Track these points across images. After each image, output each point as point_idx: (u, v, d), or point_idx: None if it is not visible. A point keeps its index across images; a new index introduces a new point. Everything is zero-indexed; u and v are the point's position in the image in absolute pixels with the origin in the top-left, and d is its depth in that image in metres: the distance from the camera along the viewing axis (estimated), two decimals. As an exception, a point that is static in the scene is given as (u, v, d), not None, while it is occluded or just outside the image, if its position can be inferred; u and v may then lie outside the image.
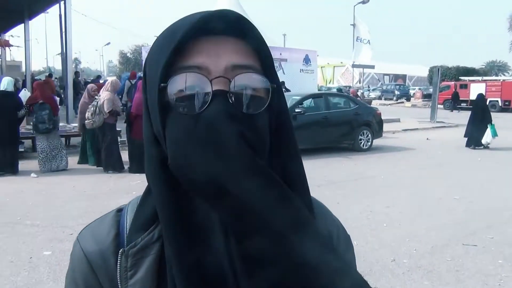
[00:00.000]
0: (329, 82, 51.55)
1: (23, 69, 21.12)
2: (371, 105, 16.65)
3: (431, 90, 29.45)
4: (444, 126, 18.88)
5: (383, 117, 12.70)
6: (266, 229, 0.54)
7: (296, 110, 10.34)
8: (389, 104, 36.12)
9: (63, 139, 9.75)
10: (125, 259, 0.64)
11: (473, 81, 33.54)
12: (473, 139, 12.38)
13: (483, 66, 60.97)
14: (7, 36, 20.98)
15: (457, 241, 4.98)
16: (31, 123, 8.82)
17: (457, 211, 6.20)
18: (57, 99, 15.34)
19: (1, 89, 8.00)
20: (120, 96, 11.32)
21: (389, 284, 3.85)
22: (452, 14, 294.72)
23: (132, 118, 8.15)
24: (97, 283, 0.66)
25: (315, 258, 0.54)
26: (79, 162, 8.69)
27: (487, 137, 12.20)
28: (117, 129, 8.83)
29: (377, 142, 12.23)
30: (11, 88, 8.11)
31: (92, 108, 8.24)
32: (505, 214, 6.03)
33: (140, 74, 15.53)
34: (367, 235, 5.04)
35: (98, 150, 8.46)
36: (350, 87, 27.84)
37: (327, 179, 7.93)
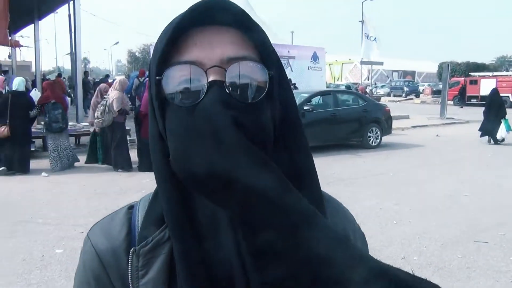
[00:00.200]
0: (337, 79, 51.37)
1: (33, 69, 21.32)
2: (380, 102, 16.57)
3: (440, 86, 29.21)
4: (454, 123, 18.73)
5: (392, 114, 12.63)
6: (271, 219, 0.52)
7: (305, 108, 10.32)
8: (398, 101, 35.89)
9: (72, 138, 9.84)
10: (136, 259, 0.63)
11: (483, 76, 33.17)
12: (489, 133, 12.36)
13: (493, 61, 60.33)
14: (17, 36, 21.15)
15: (468, 238, 4.94)
16: (42, 123, 8.93)
17: (468, 208, 6.15)
18: (68, 99, 15.50)
19: (13, 89, 8.11)
20: (128, 95, 11.37)
21: (400, 281, 3.83)
22: (461, 9, 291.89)
23: (142, 116, 8.19)
24: (108, 281, 0.66)
25: (325, 249, 0.52)
26: (86, 162, 8.75)
27: (501, 132, 12.18)
28: (126, 128, 8.89)
29: (386, 139, 12.17)
30: (22, 88, 8.21)
31: (101, 107, 8.31)
32: (516, 211, 5.97)
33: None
34: (377, 233, 5.03)
35: (106, 148, 8.53)
36: (358, 84, 27.73)
37: (336, 176, 7.91)
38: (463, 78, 33.89)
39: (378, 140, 11.75)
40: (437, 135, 14.33)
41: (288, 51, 16.92)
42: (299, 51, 18.24)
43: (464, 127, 17.43)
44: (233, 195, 0.52)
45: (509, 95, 29.30)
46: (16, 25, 17.57)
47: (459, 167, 9.21)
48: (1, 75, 11.94)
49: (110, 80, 19.01)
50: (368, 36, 23.73)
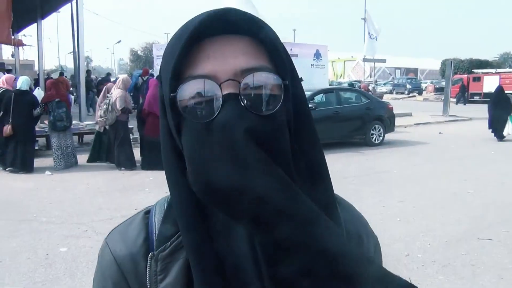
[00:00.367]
0: (340, 77, 51.27)
1: (36, 68, 21.37)
2: (383, 100, 16.53)
3: (443, 83, 29.14)
4: (457, 120, 18.66)
5: (394, 112, 12.61)
6: (285, 221, 0.54)
7: (307, 105, 10.29)
8: (401, 98, 35.82)
9: (75, 137, 9.86)
10: (154, 263, 0.63)
11: (486, 73, 33.06)
12: (497, 130, 12.48)
13: (497, 58, 60.11)
14: (20, 35, 21.21)
15: (472, 235, 4.94)
16: (46, 121, 8.96)
17: (471, 205, 6.14)
18: (72, 97, 15.52)
19: (17, 87, 8.14)
20: (130, 94, 11.39)
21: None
22: (464, 5, 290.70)
23: (145, 115, 8.20)
24: (126, 286, 0.66)
25: (337, 246, 0.54)
26: (88, 161, 8.74)
27: (508, 128, 12.27)
28: (129, 126, 8.90)
29: (389, 136, 12.15)
30: (26, 87, 8.23)
31: (104, 106, 8.33)
32: (520, 208, 5.95)
33: (152, 71, 15.62)
34: (380, 230, 5.00)
35: (109, 147, 8.54)
36: (360, 81, 27.65)
37: (339, 174, 7.90)
38: (466, 75, 33.78)
39: (381, 138, 11.73)
40: (440, 133, 14.29)
41: (291, 49, 16.91)
42: (301, 49, 18.23)
43: (467, 124, 17.38)
44: (246, 209, 0.54)
45: (513, 92, 29.19)
46: (19, 24, 17.62)
47: (462, 164, 9.18)
48: (4, 74, 11.96)
49: (112, 79, 19.04)
50: (370, 35, 23.66)
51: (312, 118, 0.65)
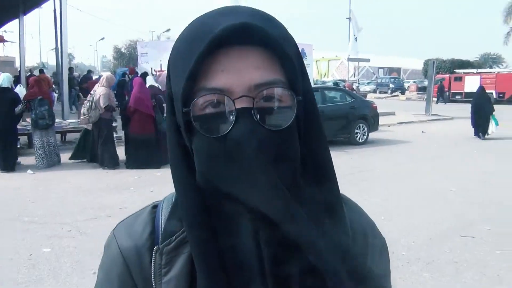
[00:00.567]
0: (324, 76, 51.54)
1: (17, 64, 20.96)
2: (366, 99, 16.68)
3: (425, 83, 29.49)
4: (439, 119, 18.95)
5: (378, 111, 12.73)
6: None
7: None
8: (384, 98, 36.18)
9: (58, 135, 9.71)
10: (159, 257, 0.64)
11: (467, 73, 33.63)
12: (480, 129, 12.81)
13: (478, 59, 61.12)
14: (1, 31, 20.79)
15: (455, 233, 5.02)
16: (28, 119, 8.80)
17: (454, 203, 6.24)
18: (55, 95, 15.27)
19: (-1, 85, 7.97)
20: (114, 91, 11.24)
21: (389, 276, 3.87)
22: (446, 6, 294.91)
23: (130, 113, 8.12)
24: (130, 279, 0.67)
25: (344, 245, 0.57)
26: (72, 158, 8.63)
27: (492, 127, 12.66)
28: (113, 124, 8.80)
29: (373, 135, 12.27)
30: (6, 84, 8.06)
31: (88, 104, 8.23)
32: (501, 206, 6.07)
33: (137, 69, 15.43)
34: (366, 228, 5.06)
35: (93, 145, 8.44)
36: (344, 80, 27.86)
37: (325, 172, 7.94)
38: (448, 75, 34.31)
39: (365, 137, 11.84)
40: (422, 132, 14.48)
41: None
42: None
43: (449, 123, 17.66)
44: (253, 218, 0.58)
45: (493, 91, 29.77)
46: (0, 20, 17.27)
47: (445, 163, 9.33)
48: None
49: (95, 77, 18.81)
50: (354, 34, 23.86)
51: (321, 120, 0.65)
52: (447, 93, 32.51)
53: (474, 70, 35.55)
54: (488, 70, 38.70)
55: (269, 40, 0.57)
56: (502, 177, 7.87)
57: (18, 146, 9.19)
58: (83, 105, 8.37)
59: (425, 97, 22.60)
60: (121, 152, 8.58)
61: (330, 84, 23.16)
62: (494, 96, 29.41)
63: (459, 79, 32.86)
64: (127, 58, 57.27)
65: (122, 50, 61.19)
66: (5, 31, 23.50)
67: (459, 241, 4.77)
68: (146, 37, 55.16)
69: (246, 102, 0.56)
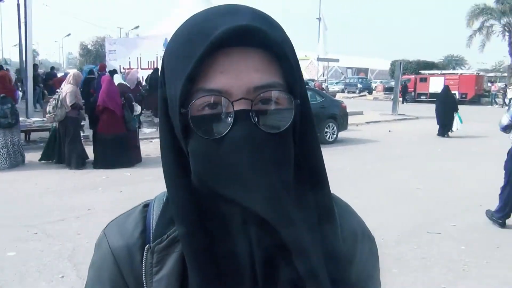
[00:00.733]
0: (294, 76, 51.79)
1: (-23, 61, 20.14)
2: (335, 98, 16.92)
3: (392, 83, 30.20)
4: (406, 119, 19.43)
5: (347, 110, 12.94)
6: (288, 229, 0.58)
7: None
8: (352, 97, 36.78)
9: (22, 134, 9.40)
10: (151, 255, 0.64)
11: (432, 74, 34.62)
12: (445, 127, 13.39)
13: (442, 60, 62.94)
14: (-42, 26, 19.90)
15: (423, 229, 5.16)
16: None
17: (421, 200, 6.41)
18: (20, 93, 14.75)
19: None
20: (80, 89, 10.97)
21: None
22: (413, 9, 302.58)
23: (99, 111, 7.93)
24: (121, 278, 0.67)
25: (341, 251, 0.58)
26: (41, 159, 8.37)
27: (456, 125, 13.29)
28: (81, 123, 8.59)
29: (342, 134, 12.45)
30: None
31: (53, 102, 7.99)
32: (465, 202, 6.28)
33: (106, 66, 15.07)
34: (336, 226, 5.13)
35: (59, 145, 8.21)
36: (314, 80, 28.15)
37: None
38: (413, 76, 35.22)
39: (335, 136, 12.00)
40: (389, 131, 14.81)
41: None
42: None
43: (415, 122, 18.14)
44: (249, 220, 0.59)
45: (456, 92, 30.76)
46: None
47: (411, 161, 9.57)
48: None
49: (59, 74, 18.31)
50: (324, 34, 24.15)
51: (315, 124, 0.66)
52: (413, 94, 33.38)
53: (439, 71, 36.63)
54: (451, 71, 39.94)
55: (270, 42, 0.56)
56: (465, 174, 8.15)
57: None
58: (49, 103, 8.12)
59: (392, 97, 23.13)
60: (89, 151, 8.39)
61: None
62: (457, 97, 30.44)
63: (424, 80, 33.79)
64: (94, 55, 55.99)
65: (89, 47, 59.78)
66: (-36, 25, 22.55)
67: (426, 238, 4.91)
68: (114, 34, 54.08)
69: (244, 104, 0.56)
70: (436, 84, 31.58)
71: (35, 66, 17.62)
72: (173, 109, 0.60)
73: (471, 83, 31.66)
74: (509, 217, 5.24)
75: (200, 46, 0.55)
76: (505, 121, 5.10)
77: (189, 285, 0.61)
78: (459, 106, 13.98)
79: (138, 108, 9.21)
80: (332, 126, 11.93)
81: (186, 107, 0.57)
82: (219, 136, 0.56)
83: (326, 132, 11.79)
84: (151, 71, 14.93)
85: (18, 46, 15.03)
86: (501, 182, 5.32)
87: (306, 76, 49.66)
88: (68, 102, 7.77)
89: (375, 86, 42.71)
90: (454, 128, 13.38)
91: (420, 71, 38.49)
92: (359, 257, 0.71)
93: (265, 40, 0.56)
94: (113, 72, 10.79)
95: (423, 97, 32.78)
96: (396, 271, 4.03)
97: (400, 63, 21.77)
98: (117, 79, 9.04)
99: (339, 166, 8.88)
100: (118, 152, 8.02)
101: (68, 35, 58.25)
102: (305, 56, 53.27)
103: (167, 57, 0.61)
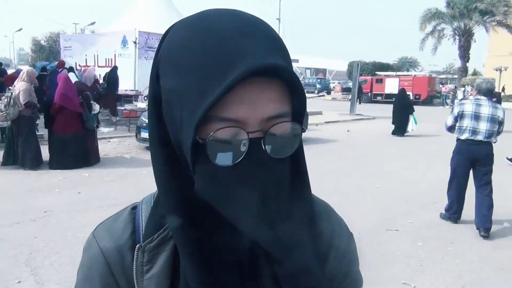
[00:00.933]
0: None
1: None
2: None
3: (349, 84, 30.91)
4: (363, 119, 19.95)
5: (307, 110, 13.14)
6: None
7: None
8: (311, 97, 37.36)
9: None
10: (141, 254, 0.65)
11: (388, 76, 35.71)
12: (401, 127, 13.98)
13: (396, 62, 65.05)
14: None
15: (382, 227, 5.32)
16: None
17: (379, 199, 6.61)
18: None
19: None
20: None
21: (322, 271, 4.02)
22: (369, 11, 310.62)
23: (55, 110, 7.65)
24: (113, 279, 0.67)
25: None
26: (3, 164, 7.90)
27: (411, 125, 13.91)
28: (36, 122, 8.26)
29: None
30: None
31: (5, 100, 7.64)
32: (421, 200, 6.54)
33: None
34: (299, 225, 5.21)
35: (13, 145, 7.85)
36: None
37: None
38: (370, 77, 36.20)
39: (295, 135, 12.15)
40: (348, 131, 15.16)
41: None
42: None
43: (372, 122, 18.65)
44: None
45: (410, 93, 31.86)
46: None
47: (369, 160, 9.84)
48: None
49: (10, 71, 17.52)
50: (283, 34, 24.34)
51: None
52: (369, 94, 34.31)
53: (394, 73, 37.83)
54: (406, 73, 41.34)
55: (287, 75, 0.57)
56: (420, 173, 8.48)
57: None
58: (0, 101, 7.76)
59: (350, 98, 23.68)
60: (44, 151, 8.07)
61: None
62: (411, 98, 31.56)
63: (380, 81, 34.81)
64: (47, 51, 53.91)
65: (42, 42, 57.48)
66: None
67: (385, 235, 5.07)
68: (69, 29, 52.29)
69: (257, 134, 0.56)
70: (391, 85, 32.65)
71: (-16, 62, 16.78)
72: (187, 131, 0.57)
73: (424, 85, 32.90)
74: (460, 212, 5.47)
75: (223, 75, 0.54)
76: (449, 122, 5.40)
77: (180, 276, 0.62)
78: (414, 107, 14.54)
79: (96, 107, 8.97)
80: (292, 126, 12.07)
81: (199, 131, 0.56)
82: (232, 164, 0.56)
83: (287, 132, 11.92)
84: (109, 69, 14.57)
85: (-35, 40, 14.23)
86: (453, 180, 5.57)
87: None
88: (22, 100, 7.46)
89: (333, 87, 43.61)
90: (409, 128, 13.99)
91: (376, 72, 39.61)
92: (335, 253, 0.74)
93: (284, 73, 0.57)
94: (69, 69, 10.41)
95: (379, 98, 33.74)
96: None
97: (358, 64, 22.34)
98: (72, 77, 8.73)
99: (300, 165, 9.01)
100: (76, 152, 7.78)
101: (20, 29, 55.65)
102: (265, 56, 53.50)
103: (179, 68, 0.58)
